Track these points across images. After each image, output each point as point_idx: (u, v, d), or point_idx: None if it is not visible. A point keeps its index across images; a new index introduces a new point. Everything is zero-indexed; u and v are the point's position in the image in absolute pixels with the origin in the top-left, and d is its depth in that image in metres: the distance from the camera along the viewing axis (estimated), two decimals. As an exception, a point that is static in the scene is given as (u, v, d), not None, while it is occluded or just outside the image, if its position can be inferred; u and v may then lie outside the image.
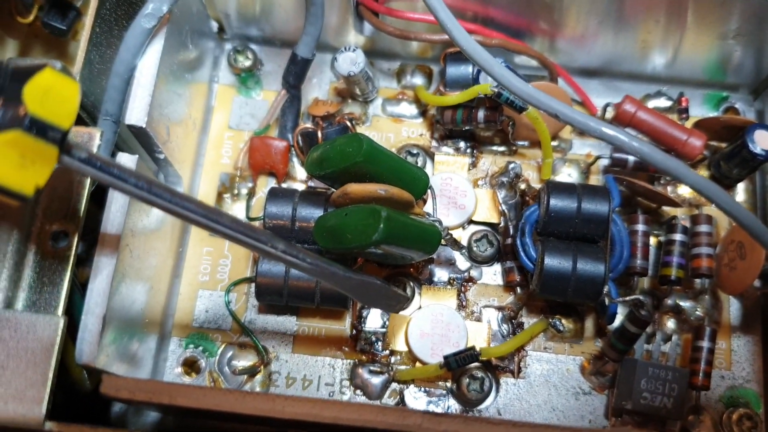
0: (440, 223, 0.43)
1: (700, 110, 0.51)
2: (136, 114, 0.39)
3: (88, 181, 0.36)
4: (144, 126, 0.39)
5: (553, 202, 0.43)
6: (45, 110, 0.27)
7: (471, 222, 0.48)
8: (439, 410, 0.45)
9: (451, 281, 0.47)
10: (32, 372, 0.33)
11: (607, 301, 0.43)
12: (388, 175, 0.40)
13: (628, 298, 0.43)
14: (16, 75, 0.27)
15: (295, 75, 0.48)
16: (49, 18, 0.44)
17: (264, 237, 0.33)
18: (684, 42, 0.48)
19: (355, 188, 0.39)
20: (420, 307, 0.46)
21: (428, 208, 0.44)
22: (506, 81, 0.35)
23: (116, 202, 0.37)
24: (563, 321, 0.46)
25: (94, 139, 0.37)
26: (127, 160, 0.37)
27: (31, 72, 0.27)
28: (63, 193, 0.36)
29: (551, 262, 0.42)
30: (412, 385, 0.45)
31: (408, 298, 0.43)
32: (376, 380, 0.45)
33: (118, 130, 0.40)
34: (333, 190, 0.44)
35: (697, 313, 0.46)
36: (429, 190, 0.43)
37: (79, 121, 0.41)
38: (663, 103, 0.51)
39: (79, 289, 0.40)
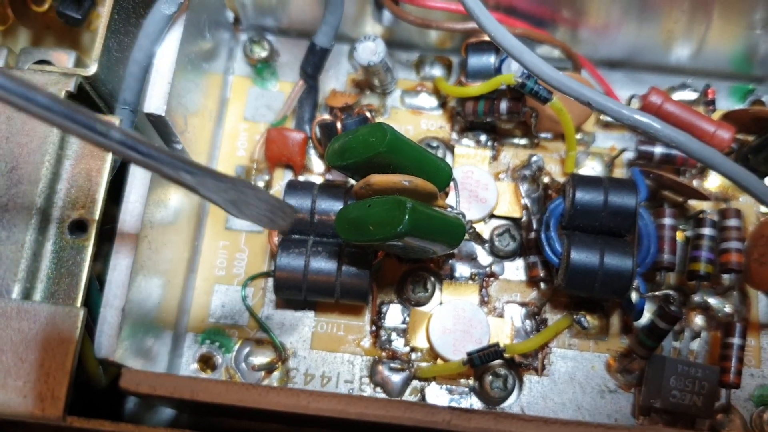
0: (463, 216, 0.42)
1: (725, 103, 0.50)
2: (155, 102, 0.38)
3: (107, 169, 0.36)
4: (163, 114, 0.38)
5: (579, 195, 0.42)
6: None
7: (492, 216, 0.47)
8: (461, 408, 0.44)
9: (473, 276, 0.46)
10: (51, 365, 0.32)
11: (635, 296, 0.42)
12: (411, 166, 0.39)
13: (658, 293, 0.42)
14: None
15: (314, 65, 0.47)
16: (64, 7, 0.44)
17: (95, 123, 0.25)
18: (710, 32, 0.47)
19: (378, 179, 0.38)
20: (441, 303, 0.45)
21: (450, 200, 0.43)
22: (536, 68, 0.34)
23: (135, 192, 0.36)
24: (588, 317, 0.45)
25: (112, 127, 0.36)
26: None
27: None
28: (82, 182, 0.35)
29: (578, 256, 0.41)
30: (433, 383, 0.44)
31: (294, 209, 0.35)
32: (397, 377, 0.44)
33: (136, 119, 0.40)
34: (352, 182, 0.43)
35: (725, 309, 0.45)
36: (452, 182, 0.42)
37: (97, 110, 0.40)
38: (688, 95, 0.50)
39: (95, 282, 0.39)
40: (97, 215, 0.35)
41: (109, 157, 0.36)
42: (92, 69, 0.38)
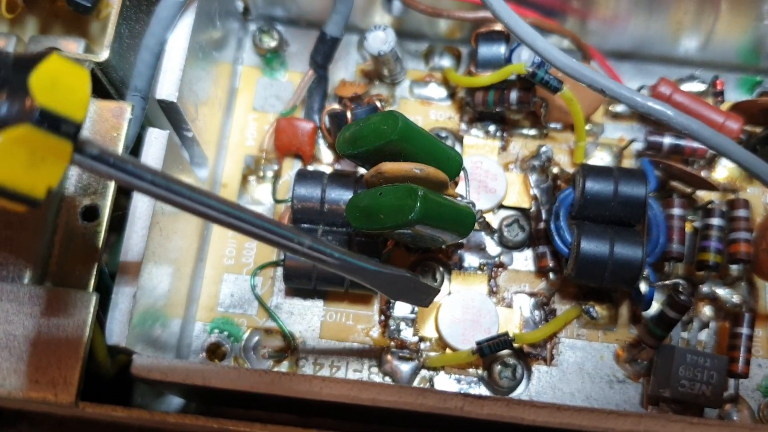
0: (473, 205, 0.42)
1: (733, 94, 0.50)
2: (167, 88, 0.38)
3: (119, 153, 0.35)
4: (175, 101, 0.38)
5: (589, 184, 0.42)
6: (55, 101, 0.24)
7: (501, 206, 0.47)
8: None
9: (482, 267, 0.46)
10: (64, 350, 0.32)
11: (645, 285, 0.42)
12: (423, 155, 0.39)
13: (667, 282, 0.42)
14: (19, 64, 0.24)
15: (324, 54, 0.47)
16: (74, -6, 0.43)
17: (290, 233, 0.31)
18: (718, 23, 0.47)
19: (390, 167, 0.38)
20: (450, 293, 0.45)
21: (460, 190, 0.43)
22: (550, 55, 0.34)
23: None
24: (597, 307, 0.45)
25: (124, 113, 0.36)
26: (157, 135, 0.36)
27: (35, 60, 0.24)
28: (93, 168, 0.35)
29: (588, 246, 0.41)
30: (442, 372, 0.44)
31: (438, 290, 0.41)
32: (405, 367, 0.44)
33: (147, 106, 0.39)
34: (362, 171, 0.43)
35: (733, 300, 0.45)
36: (462, 172, 0.42)
37: (108, 97, 0.40)
38: (696, 87, 0.50)
39: (104, 270, 0.39)
40: (108, 201, 0.35)
41: (121, 142, 0.36)
42: (104, 55, 0.38)
